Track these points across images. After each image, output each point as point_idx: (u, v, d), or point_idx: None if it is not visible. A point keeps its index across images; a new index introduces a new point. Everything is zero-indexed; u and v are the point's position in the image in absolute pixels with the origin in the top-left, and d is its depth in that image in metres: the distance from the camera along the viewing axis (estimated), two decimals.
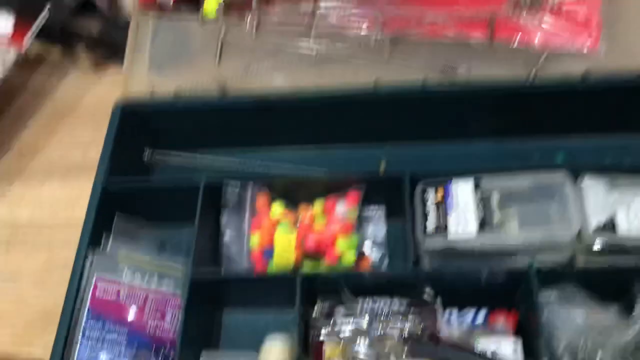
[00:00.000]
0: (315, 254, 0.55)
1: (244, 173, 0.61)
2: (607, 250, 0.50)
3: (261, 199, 0.57)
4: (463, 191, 0.53)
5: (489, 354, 0.47)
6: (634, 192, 0.51)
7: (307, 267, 0.54)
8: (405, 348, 0.47)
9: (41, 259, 0.63)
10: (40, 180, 0.69)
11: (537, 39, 0.60)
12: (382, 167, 0.62)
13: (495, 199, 0.52)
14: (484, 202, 0.52)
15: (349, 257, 0.55)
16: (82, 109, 0.74)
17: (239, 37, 0.65)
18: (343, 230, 0.55)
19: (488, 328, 0.50)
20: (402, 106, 0.60)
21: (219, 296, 0.55)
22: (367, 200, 0.57)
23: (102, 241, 0.55)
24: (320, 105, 0.59)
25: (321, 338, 0.50)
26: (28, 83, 0.76)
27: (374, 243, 0.58)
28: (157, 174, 0.65)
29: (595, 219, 0.50)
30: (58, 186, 0.68)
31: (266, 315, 0.56)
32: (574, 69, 0.59)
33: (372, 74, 0.62)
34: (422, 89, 0.58)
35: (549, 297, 0.49)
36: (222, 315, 0.56)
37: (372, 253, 0.57)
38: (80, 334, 0.50)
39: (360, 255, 0.56)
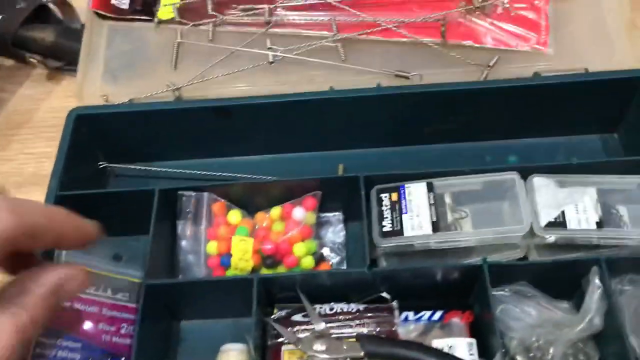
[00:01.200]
0: (274, 261, 0.55)
1: (200, 182, 0.61)
2: (557, 245, 0.51)
3: (217, 207, 0.57)
4: (417, 193, 0.53)
5: (444, 351, 0.47)
6: (582, 189, 0.52)
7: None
8: (361, 346, 0.47)
9: None
10: None
11: (488, 41, 0.62)
12: (341, 171, 0.62)
13: (448, 199, 0.53)
14: (436, 203, 0.52)
15: (308, 262, 0.55)
16: (36, 121, 0.73)
17: (195, 43, 0.65)
18: (301, 235, 0.55)
19: (444, 328, 0.51)
20: (357, 110, 0.60)
21: (175, 305, 0.54)
22: (325, 206, 0.58)
23: (55, 253, 0.54)
24: (278, 109, 0.59)
25: (278, 341, 0.50)
26: None
27: (333, 248, 0.58)
28: (111, 186, 0.64)
29: (546, 215, 0.51)
30: None
31: (224, 324, 0.55)
32: (524, 71, 0.61)
33: (328, 80, 0.62)
34: (376, 92, 0.59)
35: (502, 295, 0.49)
36: (179, 326, 0.56)
37: (331, 258, 0.57)
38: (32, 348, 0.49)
39: (320, 260, 0.56)
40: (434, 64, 0.62)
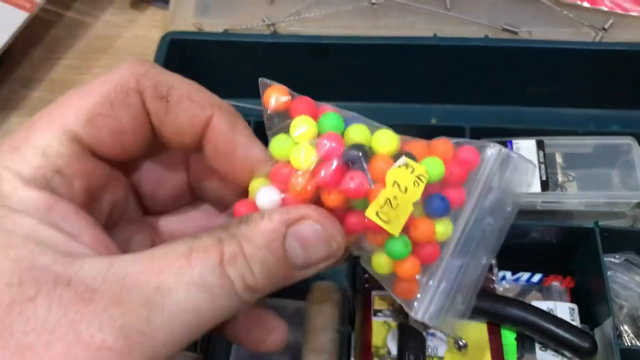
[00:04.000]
0: None
1: None
2: None
3: None
4: (525, 150, 0.51)
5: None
6: None
7: None
8: None
9: None
10: None
11: (605, 3, 0.58)
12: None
13: (559, 159, 0.51)
14: (546, 162, 0.50)
15: None
16: (117, 48, 0.71)
17: None
18: None
19: (543, 292, 0.49)
20: (460, 60, 0.57)
21: None
22: None
23: None
24: (377, 52, 0.57)
25: (367, 286, 0.48)
26: (64, 16, 0.73)
27: None
28: None
29: None
30: None
31: None
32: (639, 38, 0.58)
33: (430, 28, 0.60)
34: (484, 43, 0.56)
35: (611, 262, 0.47)
36: None
37: None
38: None
39: None
40: (543, 22, 0.59)
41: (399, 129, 0.54)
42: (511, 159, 0.29)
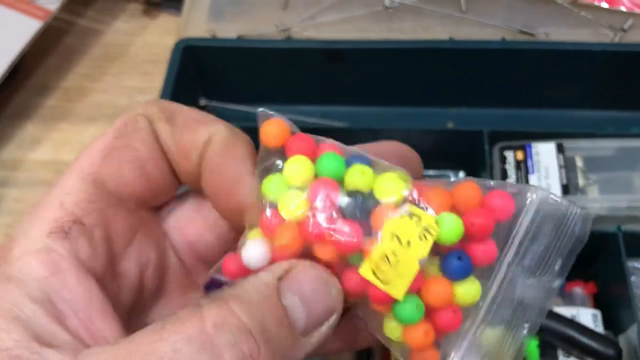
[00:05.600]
0: None
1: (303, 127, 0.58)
2: None
3: None
4: (545, 153, 0.50)
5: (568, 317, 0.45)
6: None
7: None
8: None
9: None
10: (85, 124, 0.66)
11: (624, 3, 0.58)
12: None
13: (579, 163, 0.50)
14: (567, 166, 0.49)
15: None
16: (131, 55, 0.71)
17: None
18: None
19: (564, 297, 0.48)
20: (476, 64, 0.57)
21: None
22: (441, 163, 0.55)
23: None
24: (393, 56, 0.57)
25: None
26: (77, 24, 0.73)
27: None
28: None
29: None
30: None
31: None
32: None
33: (445, 31, 0.59)
34: (500, 46, 0.56)
35: (634, 267, 0.46)
36: None
37: None
38: None
39: None
40: (561, 23, 0.58)
41: (415, 133, 0.54)
42: (558, 205, 0.23)
